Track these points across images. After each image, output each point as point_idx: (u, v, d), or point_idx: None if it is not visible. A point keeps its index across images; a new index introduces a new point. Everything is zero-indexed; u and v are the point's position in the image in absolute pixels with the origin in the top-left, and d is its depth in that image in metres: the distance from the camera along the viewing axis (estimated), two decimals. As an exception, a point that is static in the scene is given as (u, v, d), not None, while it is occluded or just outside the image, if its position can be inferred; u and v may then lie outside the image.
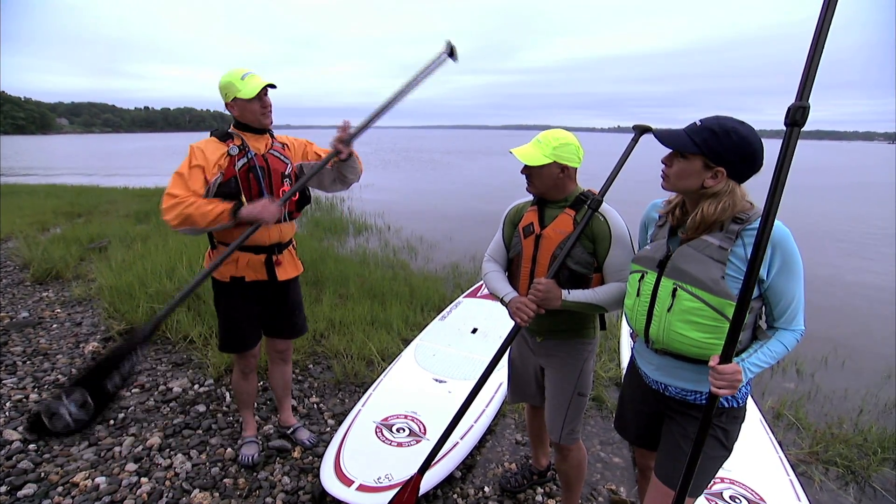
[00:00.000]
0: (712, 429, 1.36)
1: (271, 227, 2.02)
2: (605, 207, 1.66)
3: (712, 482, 2.08)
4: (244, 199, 1.94)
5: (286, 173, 2.08)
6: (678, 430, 1.44)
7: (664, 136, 1.32)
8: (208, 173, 1.90)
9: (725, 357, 1.17)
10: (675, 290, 1.32)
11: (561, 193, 1.70)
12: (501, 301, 1.78)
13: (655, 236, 1.47)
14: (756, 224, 1.24)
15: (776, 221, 1.21)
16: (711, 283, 1.26)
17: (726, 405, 1.37)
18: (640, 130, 1.80)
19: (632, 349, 1.66)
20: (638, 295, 1.43)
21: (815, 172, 25.94)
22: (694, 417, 1.41)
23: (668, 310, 1.33)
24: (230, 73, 1.96)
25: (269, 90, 2.00)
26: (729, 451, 1.41)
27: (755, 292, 1.27)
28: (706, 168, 1.27)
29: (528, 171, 1.67)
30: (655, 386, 1.49)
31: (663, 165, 1.36)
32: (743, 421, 1.41)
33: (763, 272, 1.24)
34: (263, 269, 2.09)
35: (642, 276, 1.42)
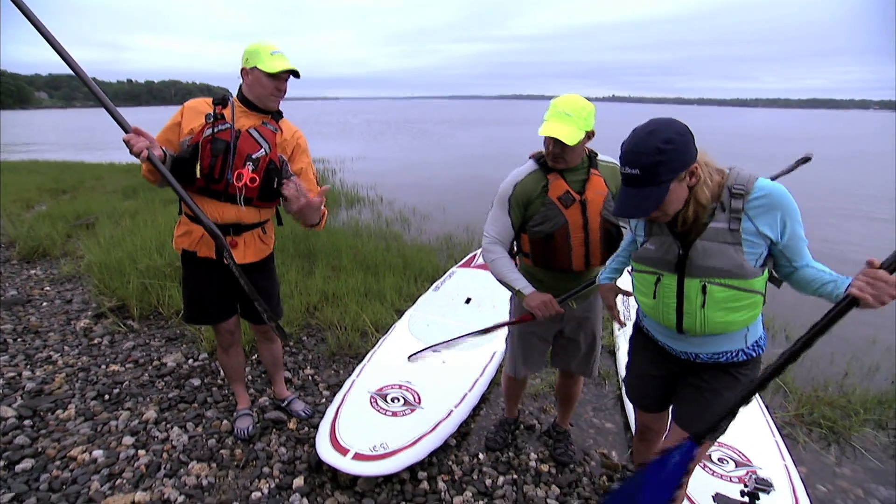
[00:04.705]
0: (740, 378, 1.42)
1: (225, 207, 1.91)
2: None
3: None
4: (199, 165, 1.84)
5: (255, 157, 1.88)
6: (706, 385, 1.46)
7: (632, 210, 1.24)
8: (182, 132, 1.89)
9: (890, 267, 1.12)
10: (704, 287, 1.32)
11: (580, 159, 1.76)
12: (516, 292, 1.83)
13: (650, 231, 1.41)
14: (757, 194, 1.24)
15: (772, 183, 1.25)
16: (738, 270, 1.27)
17: (753, 355, 1.43)
18: None
19: (637, 321, 1.65)
20: (654, 297, 1.41)
21: (812, 142, 25.80)
22: (724, 372, 1.44)
23: (702, 306, 1.33)
24: (261, 43, 1.87)
25: (290, 78, 1.92)
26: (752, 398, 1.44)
27: (765, 254, 1.29)
28: (679, 181, 1.22)
29: (560, 147, 1.66)
30: (685, 356, 1.48)
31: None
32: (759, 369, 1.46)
33: (776, 236, 1.26)
34: (214, 247, 1.98)
35: (658, 279, 1.39)
